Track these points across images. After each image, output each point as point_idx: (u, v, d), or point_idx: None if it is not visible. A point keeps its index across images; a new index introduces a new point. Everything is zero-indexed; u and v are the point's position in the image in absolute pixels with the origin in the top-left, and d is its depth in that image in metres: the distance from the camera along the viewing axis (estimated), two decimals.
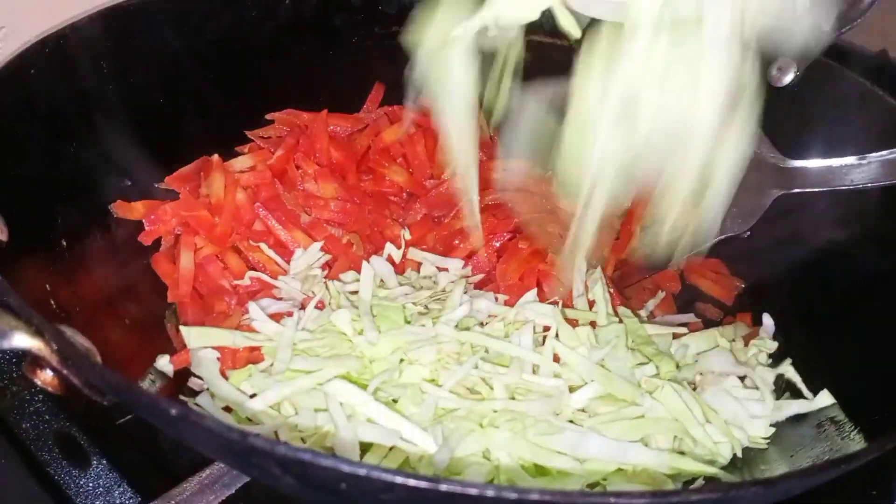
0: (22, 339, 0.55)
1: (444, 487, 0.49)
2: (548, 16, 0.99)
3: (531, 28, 1.08)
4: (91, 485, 0.76)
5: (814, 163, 0.91)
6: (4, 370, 0.83)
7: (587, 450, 0.70)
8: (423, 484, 0.49)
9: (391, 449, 0.69)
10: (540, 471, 0.70)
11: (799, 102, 0.96)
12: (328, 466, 0.49)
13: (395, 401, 0.73)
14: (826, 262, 0.90)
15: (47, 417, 0.80)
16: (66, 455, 0.77)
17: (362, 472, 0.49)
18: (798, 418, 0.78)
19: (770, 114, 0.97)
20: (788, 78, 0.97)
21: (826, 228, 0.91)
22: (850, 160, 0.88)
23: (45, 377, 0.58)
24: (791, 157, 0.93)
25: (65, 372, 0.57)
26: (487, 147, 1.12)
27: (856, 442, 0.70)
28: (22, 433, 0.79)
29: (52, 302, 0.70)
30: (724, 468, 0.73)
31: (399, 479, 0.49)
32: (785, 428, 0.78)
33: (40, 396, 0.81)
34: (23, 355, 0.58)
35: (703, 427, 0.72)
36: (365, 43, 1.09)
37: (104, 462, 0.77)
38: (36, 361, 0.58)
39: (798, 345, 0.86)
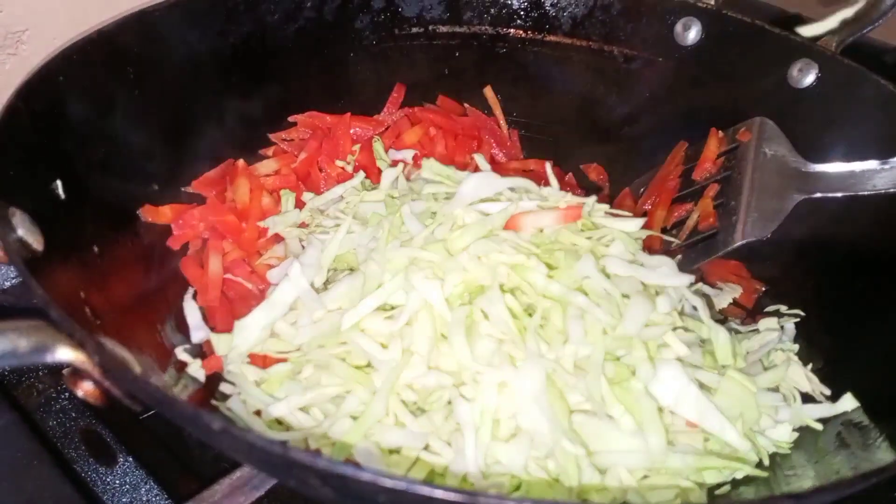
0: (65, 353, 0.56)
1: (482, 501, 0.50)
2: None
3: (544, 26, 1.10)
4: (118, 482, 0.77)
5: (836, 167, 0.91)
6: (31, 368, 0.84)
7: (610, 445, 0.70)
8: (462, 498, 0.50)
9: (416, 460, 0.70)
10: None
11: (820, 104, 0.96)
12: (369, 481, 0.50)
13: (422, 410, 0.74)
14: (848, 264, 0.90)
15: (73, 415, 0.82)
16: (92, 452, 0.79)
17: (402, 486, 0.50)
18: (821, 422, 0.78)
19: (791, 116, 0.98)
20: (809, 79, 0.97)
21: (848, 231, 0.91)
22: (873, 164, 0.88)
23: (87, 388, 0.59)
24: (812, 159, 0.94)
25: (106, 384, 0.58)
26: (505, 146, 1.12)
27: (882, 449, 0.70)
28: (49, 431, 0.80)
29: (87, 309, 0.71)
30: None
31: (439, 493, 0.50)
32: (808, 432, 0.78)
33: (66, 394, 0.83)
34: (62, 366, 0.59)
35: (734, 429, 0.73)
36: (385, 44, 1.09)
37: (130, 459, 0.78)
38: (77, 373, 0.59)
39: (821, 348, 0.86)
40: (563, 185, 1.08)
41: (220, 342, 0.81)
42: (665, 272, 0.81)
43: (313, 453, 0.52)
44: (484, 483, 0.67)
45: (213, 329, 0.86)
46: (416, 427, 0.71)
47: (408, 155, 1.04)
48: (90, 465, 0.78)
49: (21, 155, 0.72)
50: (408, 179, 0.96)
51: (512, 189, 0.88)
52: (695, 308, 0.81)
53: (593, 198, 0.88)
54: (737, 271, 0.98)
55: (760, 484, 0.73)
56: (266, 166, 0.99)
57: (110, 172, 0.84)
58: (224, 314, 0.86)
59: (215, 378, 0.81)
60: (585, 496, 0.68)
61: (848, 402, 0.79)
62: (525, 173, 1.09)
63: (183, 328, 0.86)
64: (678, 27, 1.04)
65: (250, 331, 0.81)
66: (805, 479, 0.72)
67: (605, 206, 0.89)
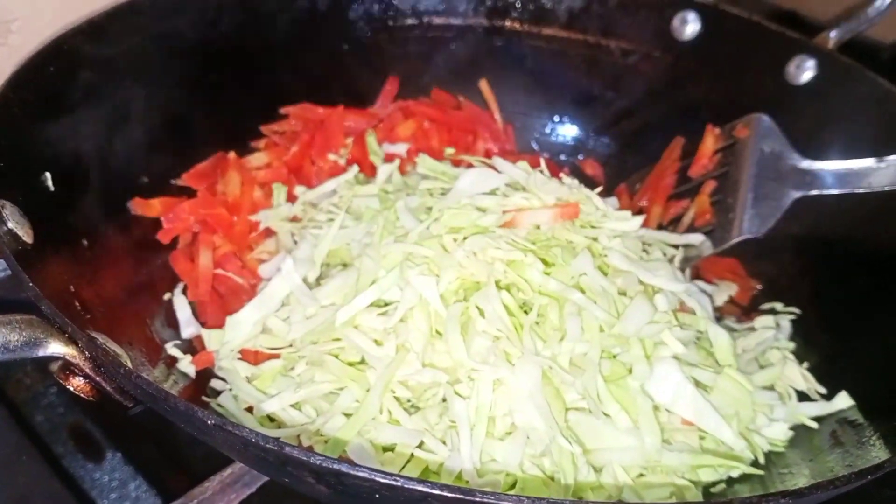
0: (56, 348, 0.55)
1: (478, 498, 0.49)
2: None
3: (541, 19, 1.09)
4: (106, 478, 0.76)
5: (832, 164, 0.91)
6: (19, 362, 0.83)
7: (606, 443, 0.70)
8: (457, 495, 0.49)
9: (411, 458, 0.69)
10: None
11: (817, 101, 0.96)
12: (365, 477, 0.50)
13: (416, 407, 0.73)
14: (844, 262, 0.90)
15: (61, 410, 0.81)
16: (80, 448, 0.78)
17: (398, 483, 0.50)
18: (816, 421, 0.78)
19: (788, 112, 0.98)
20: (807, 76, 0.97)
21: (845, 228, 0.91)
22: (870, 162, 0.88)
23: (77, 383, 0.58)
24: (808, 156, 0.93)
25: (97, 379, 0.57)
26: (500, 140, 1.12)
27: (876, 447, 0.70)
28: (36, 426, 0.79)
29: (77, 303, 0.70)
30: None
31: (436, 491, 0.49)
32: (803, 430, 0.78)
33: (54, 389, 0.82)
34: (50, 360, 0.58)
35: (730, 427, 0.72)
36: (379, 36, 1.09)
37: (118, 455, 0.77)
38: (67, 367, 0.58)
39: (816, 346, 0.86)
40: None
41: (211, 337, 0.81)
42: (663, 275, 0.81)
43: (308, 450, 0.51)
44: (479, 481, 0.67)
45: (203, 324, 0.85)
46: (410, 424, 0.71)
47: (401, 148, 1.03)
48: (78, 461, 0.77)
49: (10, 146, 0.71)
50: (402, 174, 0.96)
51: (508, 185, 0.87)
52: (693, 312, 0.80)
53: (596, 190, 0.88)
54: (732, 269, 0.98)
55: (755, 482, 0.73)
56: (257, 159, 0.97)
57: (100, 165, 0.83)
58: (215, 309, 0.85)
59: (206, 374, 0.80)
60: (581, 494, 0.68)
61: (843, 401, 0.79)
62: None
63: (173, 323, 0.85)
64: (675, 22, 1.04)
65: (242, 326, 0.80)
66: (800, 477, 0.72)
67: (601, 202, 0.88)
